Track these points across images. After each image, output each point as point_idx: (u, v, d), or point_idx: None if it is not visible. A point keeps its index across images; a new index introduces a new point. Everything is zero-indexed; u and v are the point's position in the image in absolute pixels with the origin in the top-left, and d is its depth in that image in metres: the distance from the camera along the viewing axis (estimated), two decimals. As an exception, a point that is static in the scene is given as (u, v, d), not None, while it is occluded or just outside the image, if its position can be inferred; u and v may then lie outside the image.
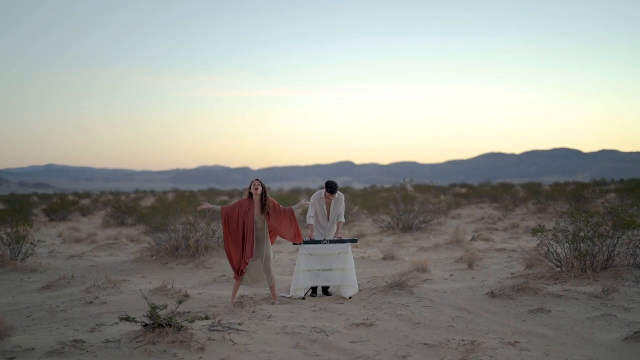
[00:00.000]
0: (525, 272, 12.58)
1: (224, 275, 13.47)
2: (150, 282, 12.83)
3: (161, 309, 7.64)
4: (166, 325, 7.49)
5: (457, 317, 8.94)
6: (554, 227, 11.96)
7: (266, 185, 10.87)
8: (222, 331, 7.75)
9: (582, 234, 11.34)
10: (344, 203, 11.61)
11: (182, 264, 14.85)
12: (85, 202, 54.60)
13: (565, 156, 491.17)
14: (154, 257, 15.35)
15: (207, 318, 8.10)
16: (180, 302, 8.01)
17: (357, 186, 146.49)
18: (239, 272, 10.38)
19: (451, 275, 13.22)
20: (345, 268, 10.84)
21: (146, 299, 8.27)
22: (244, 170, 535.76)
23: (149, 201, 60.63)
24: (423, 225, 24.86)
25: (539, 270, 12.22)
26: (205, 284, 12.86)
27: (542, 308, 9.13)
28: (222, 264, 14.76)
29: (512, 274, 12.79)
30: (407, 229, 24.29)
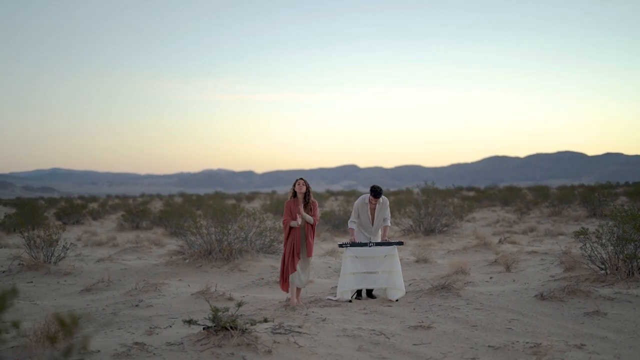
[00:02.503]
0: (566, 274, 12.53)
1: (262, 279, 13.46)
2: (189, 286, 12.84)
3: (223, 312, 7.64)
4: (230, 328, 7.49)
5: (513, 319, 8.91)
6: (597, 230, 11.92)
7: (310, 186, 10.89)
8: (286, 334, 7.74)
9: (628, 236, 11.30)
10: (388, 207, 11.60)
11: (217, 267, 14.83)
12: (93, 206, 54.65)
13: (569, 159, 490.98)
14: (187, 261, 15.33)
15: (266, 321, 8.08)
16: (239, 305, 8.01)
17: (362, 190, 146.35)
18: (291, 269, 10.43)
19: (491, 278, 13.19)
20: (392, 271, 10.83)
21: (208, 302, 8.31)
22: (248, 174, 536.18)
23: (156, 205, 60.74)
24: (445, 229, 24.86)
25: (580, 273, 12.17)
26: (245, 287, 12.85)
27: (598, 311, 9.10)
28: (257, 267, 14.76)
29: (551, 276, 12.75)
30: (429, 232, 24.29)
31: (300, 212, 10.54)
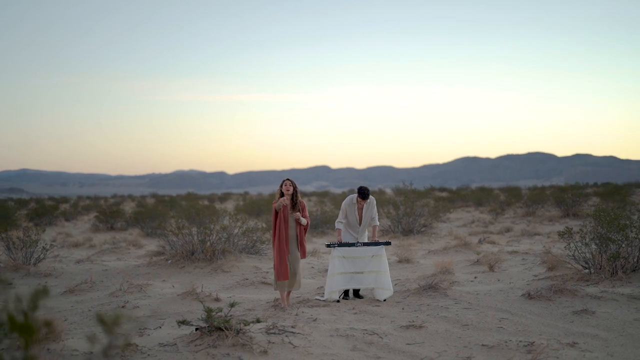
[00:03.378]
0: (550, 274, 12.66)
1: (247, 279, 13.41)
2: (174, 286, 12.77)
3: (216, 312, 7.60)
4: (225, 328, 7.46)
5: (503, 318, 8.98)
6: (581, 230, 12.06)
7: (298, 186, 10.90)
8: (280, 334, 7.72)
9: (612, 236, 11.45)
10: (375, 206, 11.63)
11: (200, 267, 14.76)
12: (65, 207, 54.07)
13: (539, 160, 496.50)
14: (169, 262, 15.24)
15: (258, 321, 8.05)
16: (232, 306, 7.97)
17: (334, 190, 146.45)
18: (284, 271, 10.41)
19: (475, 277, 13.28)
20: (379, 271, 10.86)
21: (202, 303, 8.23)
22: (220, 175, 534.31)
23: (129, 206, 60.29)
24: (423, 229, 24.97)
25: (564, 273, 12.30)
26: (230, 287, 12.80)
27: (586, 309, 9.21)
28: (240, 268, 14.71)
29: (535, 276, 12.87)
30: (407, 232, 24.38)
31: (295, 215, 10.57)
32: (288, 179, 10.85)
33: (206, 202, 60.43)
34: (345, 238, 11.43)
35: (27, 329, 2.72)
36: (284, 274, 10.38)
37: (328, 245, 11.06)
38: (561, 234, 12.11)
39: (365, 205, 11.45)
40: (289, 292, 10.65)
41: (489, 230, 28.28)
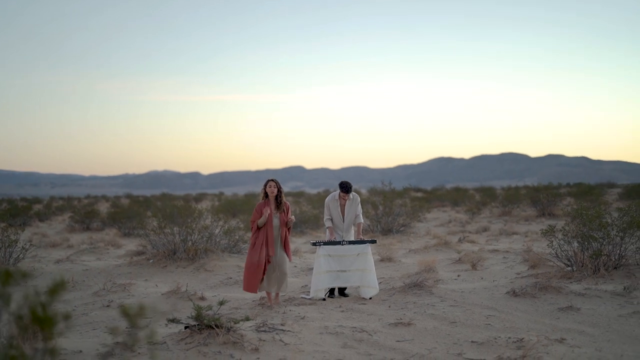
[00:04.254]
0: (533, 272, 12.77)
1: (231, 278, 13.38)
2: (157, 286, 12.71)
3: (206, 310, 7.57)
4: (215, 326, 7.43)
5: (490, 315, 9.05)
6: (563, 228, 12.19)
7: (282, 187, 10.87)
8: (270, 332, 7.72)
9: (594, 234, 11.58)
10: (360, 204, 11.64)
11: (182, 267, 14.69)
12: (38, 207, 53.50)
13: (513, 160, 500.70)
14: (151, 261, 15.15)
15: (248, 319, 8.03)
16: (221, 304, 7.95)
17: (309, 191, 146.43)
18: (263, 273, 10.35)
19: (458, 276, 13.35)
20: (365, 269, 10.88)
21: (192, 301, 8.22)
22: (195, 175, 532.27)
23: (103, 206, 59.82)
24: (402, 229, 25.07)
25: (546, 271, 12.43)
26: (214, 286, 12.77)
27: (571, 306, 9.30)
28: (223, 267, 14.66)
29: (517, 274, 12.98)
30: (387, 231, 24.46)
31: (289, 220, 10.63)
32: (272, 180, 10.78)
33: (181, 203, 60.17)
34: (329, 237, 11.42)
35: (48, 322, 2.70)
36: (254, 285, 10.31)
37: (314, 244, 11.06)
38: (544, 232, 12.21)
39: (348, 201, 11.44)
40: (277, 294, 10.61)
41: (466, 229, 28.47)
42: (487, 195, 55.07)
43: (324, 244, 10.94)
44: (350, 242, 11.03)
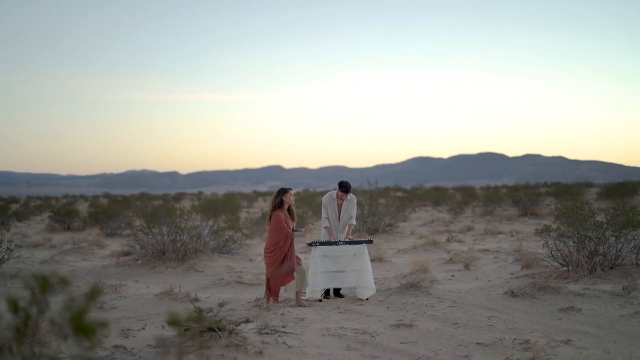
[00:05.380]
0: (527, 272, 12.73)
1: (222, 279, 13.20)
2: (148, 287, 12.51)
3: (207, 313, 7.42)
4: (217, 329, 7.28)
5: (492, 316, 8.96)
6: (558, 227, 12.16)
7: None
8: (273, 334, 7.58)
9: (590, 234, 11.56)
10: (356, 205, 11.54)
11: (172, 267, 14.49)
12: (15, 207, 52.84)
13: (491, 160, 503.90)
14: (139, 262, 14.93)
15: (248, 321, 7.88)
16: (221, 305, 7.80)
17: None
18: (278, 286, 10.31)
19: (453, 276, 13.28)
20: (362, 269, 10.76)
21: (192, 303, 8.06)
22: (173, 175, 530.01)
23: (82, 206, 59.23)
24: (388, 228, 25.01)
25: (541, 270, 12.39)
26: (206, 287, 12.59)
27: (572, 307, 9.24)
28: (213, 267, 14.47)
29: (511, 274, 12.93)
30: (373, 231, 24.38)
31: (306, 228, 10.68)
32: (291, 188, 10.63)
33: (160, 202, 59.80)
34: (326, 237, 11.32)
35: (89, 330, 2.57)
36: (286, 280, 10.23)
37: (309, 244, 10.93)
38: (539, 232, 12.17)
39: (345, 201, 11.35)
40: (299, 292, 10.41)
41: (450, 229, 28.47)
42: (468, 194, 55.33)
43: (319, 245, 10.81)
44: (347, 242, 10.91)
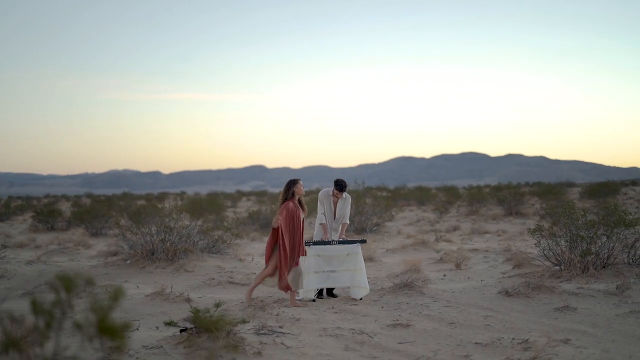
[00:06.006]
0: (519, 271, 12.74)
1: (213, 279, 13.09)
2: (138, 287, 12.38)
3: (204, 313, 7.34)
4: (214, 329, 7.20)
5: (488, 316, 8.94)
6: (551, 227, 12.19)
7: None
8: (271, 335, 7.52)
9: (582, 233, 11.59)
10: (350, 204, 11.49)
11: (161, 267, 14.34)
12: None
13: (473, 160, 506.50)
14: (128, 262, 14.79)
15: (244, 322, 7.81)
16: (218, 306, 7.73)
17: (271, 190, 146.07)
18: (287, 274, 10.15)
19: (444, 275, 13.27)
20: (355, 269, 10.72)
21: (189, 303, 7.97)
22: (155, 174, 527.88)
23: (64, 206, 58.80)
24: (375, 228, 25.01)
25: (533, 270, 12.40)
26: (197, 287, 12.48)
27: (567, 306, 9.24)
28: (203, 267, 14.35)
29: (502, 273, 12.94)
30: (360, 231, 24.37)
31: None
32: (299, 179, 10.50)
33: (143, 202, 59.50)
34: (320, 235, 11.25)
35: (115, 332, 2.51)
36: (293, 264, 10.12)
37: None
38: (532, 232, 12.19)
39: (340, 199, 11.30)
40: (293, 292, 10.30)
41: (436, 229, 28.53)
42: (452, 194, 55.52)
43: (313, 244, 10.76)
44: (340, 242, 10.86)
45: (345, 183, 11.24)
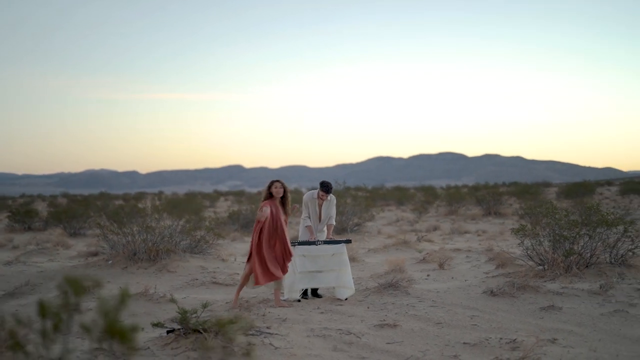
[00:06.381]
0: (503, 271, 12.80)
1: (196, 279, 13.02)
2: (121, 288, 12.28)
3: (192, 314, 7.29)
4: (203, 330, 7.15)
5: (474, 316, 8.96)
6: (535, 227, 12.25)
7: (288, 186, 10.55)
8: (258, 335, 7.49)
9: (565, 233, 11.67)
10: (335, 206, 11.49)
11: (143, 268, 14.23)
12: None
13: (450, 160, 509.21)
14: (109, 262, 14.66)
15: (232, 322, 7.76)
16: (205, 306, 7.68)
17: (249, 190, 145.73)
18: (282, 270, 10.15)
19: (428, 275, 13.29)
20: (340, 269, 10.70)
21: (176, 304, 7.90)
22: (132, 174, 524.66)
23: (40, 206, 58.24)
24: (356, 228, 25.04)
25: (516, 270, 12.46)
26: (180, 288, 12.40)
27: (552, 305, 9.29)
28: (186, 268, 14.26)
29: (485, 273, 12.99)
30: (340, 231, 24.37)
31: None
32: (278, 180, 10.46)
33: (121, 202, 59.10)
34: (305, 236, 11.24)
35: (125, 335, 2.48)
36: (274, 275, 10.05)
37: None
38: (516, 232, 12.26)
39: (325, 201, 11.30)
40: (277, 291, 10.29)
41: (415, 229, 28.62)
42: (430, 194, 55.78)
43: (298, 244, 10.74)
44: (326, 242, 10.85)
45: (331, 185, 11.25)
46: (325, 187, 11.16)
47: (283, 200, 10.36)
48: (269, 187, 10.38)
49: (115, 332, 2.56)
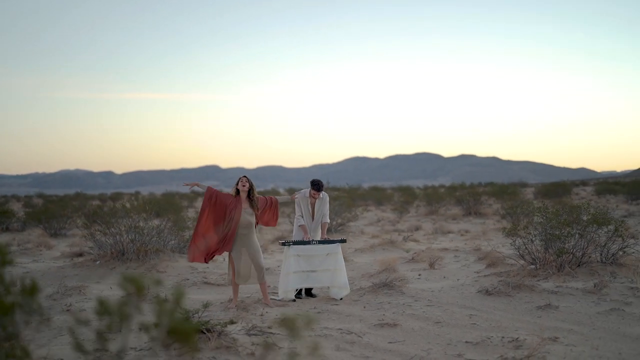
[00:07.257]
0: (494, 270, 12.84)
1: (187, 279, 12.95)
2: (111, 288, 12.15)
3: (194, 314, 7.25)
4: (205, 330, 7.10)
5: (472, 315, 8.98)
6: (526, 226, 12.30)
7: (254, 184, 10.69)
8: (261, 335, 7.44)
9: (557, 232, 11.73)
10: (328, 203, 11.46)
11: (132, 268, 14.10)
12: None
13: (427, 160, 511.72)
14: (97, 262, 14.52)
15: (232, 322, 7.72)
16: (206, 306, 7.64)
17: (226, 190, 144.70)
18: (208, 256, 10.42)
19: (420, 275, 13.30)
20: (335, 269, 10.69)
21: (177, 304, 7.82)
22: (108, 175, 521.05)
23: (15, 206, 57.56)
24: (340, 228, 25.04)
25: (508, 269, 12.50)
26: (171, 288, 12.29)
27: (549, 304, 9.32)
28: (175, 268, 14.18)
29: (476, 272, 13.02)
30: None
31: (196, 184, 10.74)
32: (245, 176, 10.68)
33: (97, 202, 58.56)
34: (299, 236, 11.20)
35: (188, 335, 2.46)
36: (200, 256, 10.32)
37: (283, 244, 10.81)
38: (507, 231, 12.31)
39: (318, 200, 11.27)
40: (263, 285, 10.32)
41: (397, 228, 28.63)
42: (408, 194, 55.90)
43: (293, 244, 10.70)
44: (320, 242, 10.82)
45: (322, 183, 11.22)
46: (317, 186, 11.13)
47: (250, 195, 10.42)
48: (237, 183, 10.58)
49: (179, 332, 2.52)
